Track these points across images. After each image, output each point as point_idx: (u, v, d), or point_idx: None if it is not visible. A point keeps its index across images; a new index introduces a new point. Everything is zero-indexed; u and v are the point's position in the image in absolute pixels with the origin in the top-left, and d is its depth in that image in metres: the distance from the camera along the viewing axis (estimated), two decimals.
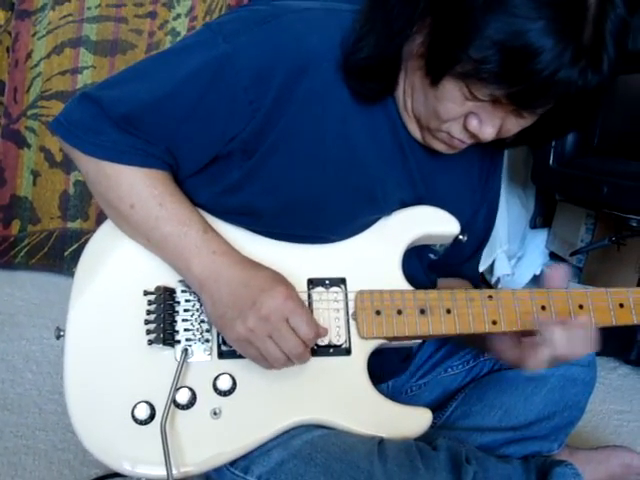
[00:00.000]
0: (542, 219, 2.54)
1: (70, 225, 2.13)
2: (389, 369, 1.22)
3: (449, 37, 0.86)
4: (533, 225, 2.53)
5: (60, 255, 2.16)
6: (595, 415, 1.66)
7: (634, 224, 1.80)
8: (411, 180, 1.09)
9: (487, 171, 1.21)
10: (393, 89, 1.00)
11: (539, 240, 2.59)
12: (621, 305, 1.06)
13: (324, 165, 1.00)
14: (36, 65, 2.16)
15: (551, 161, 1.88)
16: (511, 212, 2.33)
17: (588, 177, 1.79)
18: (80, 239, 2.12)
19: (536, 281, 2.53)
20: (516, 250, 2.45)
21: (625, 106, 2.00)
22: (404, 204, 1.10)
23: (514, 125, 0.94)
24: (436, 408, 1.24)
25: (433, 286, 1.22)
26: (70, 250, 2.14)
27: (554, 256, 2.59)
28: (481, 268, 2.05)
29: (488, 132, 0.93)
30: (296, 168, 0.99)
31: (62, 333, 1.03)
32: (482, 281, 2.30)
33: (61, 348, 1.64)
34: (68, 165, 2.13)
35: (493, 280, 2.33)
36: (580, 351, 0.99)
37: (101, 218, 2.05)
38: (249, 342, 0.95)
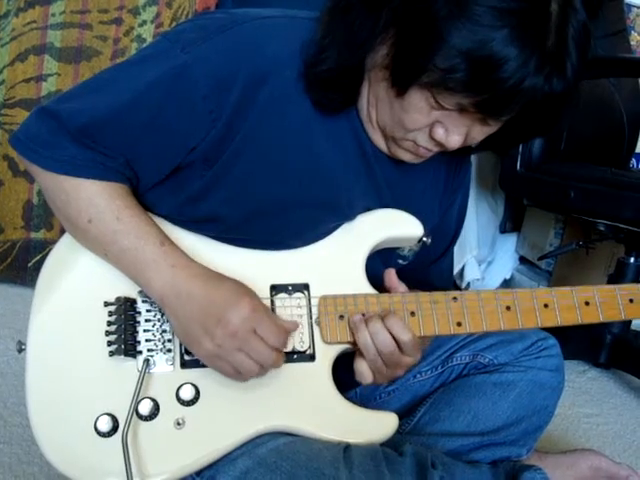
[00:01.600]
0: (511, 224, 2.57)
1: (34, 235, 2.10)
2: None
3: (414, 48, 0.86)
4: (503, 230, 2.55)
5: (23, 266, 2.12)
6: (564, 419, 1.67)
7: (602, 228, 1.82)
8: (376, 188, 1.08)
9: (454, 176, 1.21)
10: (355, 100, 0.99)
11: (509, 244, 2.62)
12: (587, 303, 1.06)
13: (286, 174, 0.99)
14: None
15: (518, 166, 1.89)
16: (480, 217, 2.35)
17: (555, 182, 1.81)
18: (44, 250, 2.08)
19: (506, 285, 2.56)
20: (486, 255, 2.47)
21: (590, 111, 2.03)
22: (369, 210, 1.09)
23: (479, 133, 0.95)
24: (405, 414, 1.23)
25: None
26: (34, 261, 2.10)
27: (524, 260, 2.62)
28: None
29: (455, 140, 0.93)
30: (258, 177, 0.98)
31: (24, 347, 1.00)
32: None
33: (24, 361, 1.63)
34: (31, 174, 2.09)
35: (463, 285, 2.35)
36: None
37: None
38: (218, 357, 0.94)
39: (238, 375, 0.96)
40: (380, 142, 1.02)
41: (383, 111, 0.96)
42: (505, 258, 2.58)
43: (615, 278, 1.87)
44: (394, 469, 0.93)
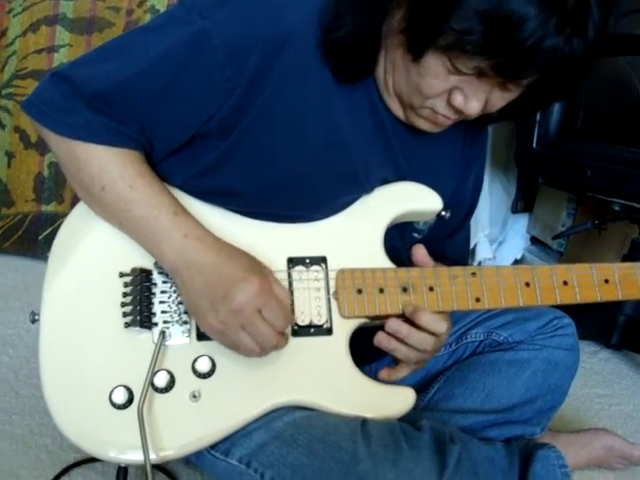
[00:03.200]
0: (523, 204, 2.55)
1: (45, 208, 2.09)
2: (373, 351, 1.20)
3: (429, 9, 0.84)
4: (514, 210, 2.53)
5: (34, 239, 2.11)
6: (576, 399, 1.66)
7: (617, 208, 1.80)
8: (393, 159, 1.07)
9: (470, 146, 1.19)
10: (373, 68, 0.98)
11: (520, 225, 2.60)
12: (606, 281, 1.05)
13: (304, 144, 0.97)
14: (11, 43, 2.11)
15: (534, 144, 1.87)
16: (493, 196, 2.33)
17: (572, 160, 1.78)
18: (54, 223, 2.07)
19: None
20: (497, 234, 2.46)
21: (607, 90, 2.00)
22: (386, 181, 1.08)
23: (499, 99, 0.93)
24: (419, 390, 1.23)
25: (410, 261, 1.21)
26: (44, 234, 2.09)
27: (535, 240, 2.60)
28: None
29: (474, 107, 0.91)
30: (275, 148, 0.97)
31: (37, 317, 1.00)
32: None
33: (37, 332, 1.63)
34: (43, 146, 2.07)
35: (474, 264, 2.33)
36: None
37: (77, 201, 2.01)
38: (222, 333, 0.93)
39: (239, 351, 0.95)
40: (398, 111, 1.00)
41: (400, 78, 0.94)
42: (516, 238, 2.56)
43: (629, 259, 1.85)
44: (412, 444, 0.93)
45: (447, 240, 1.26)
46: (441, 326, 0.98)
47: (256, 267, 0.96)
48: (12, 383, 1.45)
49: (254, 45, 0.91)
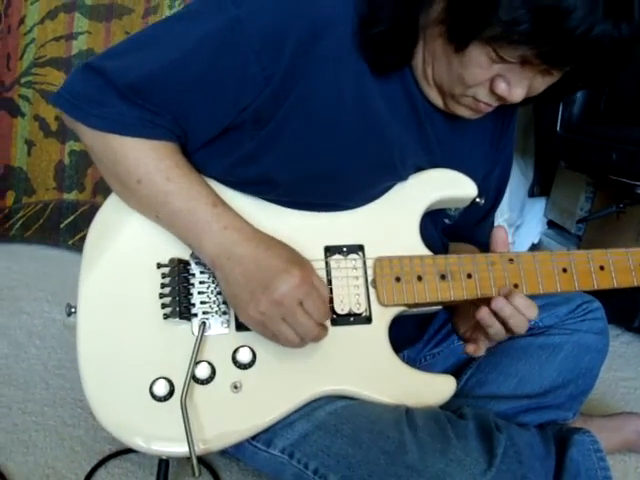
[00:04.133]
0: (540, 188, 2.54)
1: (66, 196, 2.08)
2: (406, 338, 1.21)
3: (474, 1, 0.83)
4: (531, 194, 2.52)
5: (55, 227, 2.11)
6: (601, 382, 1.65)
7: (639, 191, 1.79)
8: (427, 146, 1.06)
9: (500, 132, 1.19)
10: (410, 59, 0.97)
11: (537, 209, 2.59)
12: None
13: (341, 132, 0.97)
14: (29, 31, 2.09)
15: (558, 128, 1.86)
16: (511, 180, 2.31)
17: (596, 144, 1.78)
18: (76, 211, 2.07)
19: (534, 249, 2.53)
20: (515, 219, 2.45)
21: (630, 73, 1.98)
22: (420, 169, 1.08)
23: (541, 83, 0.92)
24: None
25: (446, 250, 1.21)
26: (66, 222, 2.09)
27: (552, 224, 2.59)
28: None
29: (517, 94, 0.91)
30: (313, 136, 0.96)
31: (73, 310, 0.99)
32: None
33: (63, 323, 1.64)
34: (64, 134, 2.08)
35: None
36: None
37: (98, 189, 2.01)
38: (262, 324, 0.92)
39: (279, 342, 0.94)
40: (437, 99, 1.00)
41: (440, 68, 0.94)
42: (533, 222, 2.55)
43: None
44: (459, 433, 0.92)
45: (476, 226, 1.27)
46: (533, 311, 0.98)
47: (296, 258, 0.96)
48: (42, 374, 1.45)
49: (289, 33, 0.89)
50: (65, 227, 2.10)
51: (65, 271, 1.95)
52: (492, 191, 1.25)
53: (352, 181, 1.01)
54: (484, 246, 1.26)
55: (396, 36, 0.91)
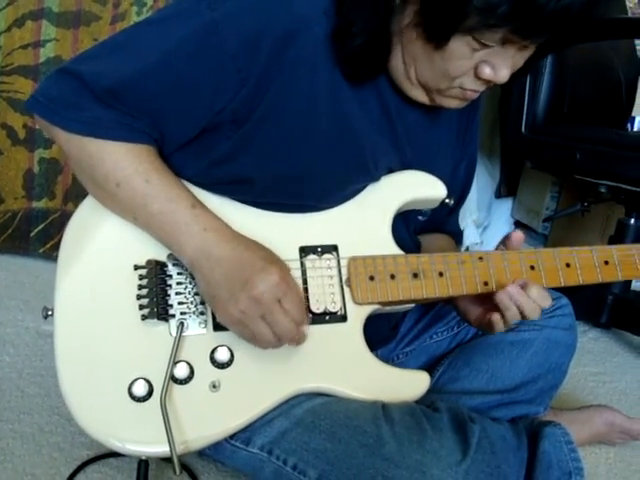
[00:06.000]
0: (507, 188, 2.59)
1: (35, 205, 2.07)
2: (380, 337, 1.23)
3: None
4: (498, 194, 2.56)
5: (25, 236, 2.09)
6: (571, 377, 1.69)
7: (603, 190, 1.84)
8: (398, 146, 1.09)
9: (466, 124, 1.23)
10: (385, 68, 0.99)
11: (504, 209, 2.64)
12: (606, 262, 1.09)
13: (315, 133, 0.99)
14: None
15: (523, 129, 1.90)
16: (479, 181, 2.36)
17: (561, 144, 1.82)
18: (46, 219, 2.05)
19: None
20: (483, 219, 2.49)
21: (590, 75, 2.04)
22: (391, 170, 1.10)
23: (521, 59, 0.96)
24: None
25: (418, 248, 1.24)
26: (36, 231, 2.07)
27: (519, 224, 2.64)
28: None
29: (504, 74, 0.94)
30: (287, 137, 0.98)
31: (50, 312, 0.99)
32: None
33: (37, 331, 1.62)
34: (32, 142, 2.06)
35: (462, 249, 2.35)
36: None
37: (68, 196, 1.99)
38: (241, 323, 0.93)
39: (257, 343, 0.95)
40: (422, 97, 1.02)
41: (423, 68, 0.96)
42: (501, 222, 2.60)
43: (616, 239, 1.89)
44: (434, 425, 0.94)
45: (445, 220, 1.31)
46: (547, 301, 1.02)
47: (274, 258, 0.97)
48: (16, 382, 1.44)
49: (265, 36, 0.91)
50: (35, 235, 2.08)
51: (37, 279, 1.96)
52: (459, 186, 1.29)
53: (326, 182, 1.03)
54: (455, 235, 1.34)
55: (370, 49, 0.94)
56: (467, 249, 2.35)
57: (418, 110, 1.08)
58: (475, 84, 0.97)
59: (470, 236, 2.33)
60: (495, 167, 2.47)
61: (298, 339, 0.97)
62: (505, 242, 1.09)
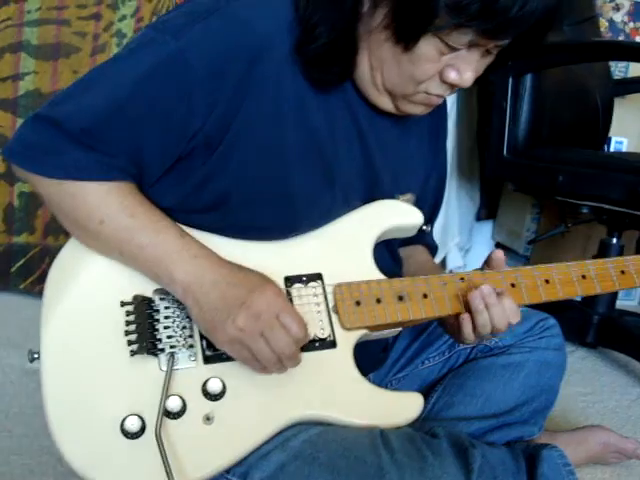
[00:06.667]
0: (487, 211, 2.61)
1: (16, 239, 2.03)
2: (370, 362, 1.22)
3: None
4: (478, 217, 2.58)
5: (6, 272, 2.06)
6: (561, 399, 1.67)
7: (585, 210, 1.86)
8: (369, 156, 1.09)
9: (436, 135, 1.25)
10: (352, 72, 1.00)
11: (485, 231, 2.66)
12: (583, 277, 1.12)
13: (286, 151, 0.99)
14: None
15: (505, 152, 1.91)
16: (460, 204, 2.37)
17: (543, 167, 1.84)
18: (27, 254, 2.01)
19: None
20: (465, 242, 2.50)
21: (568, 97, 2.07)
22: (364, 181, 1.10)
23: (483, 64, 0.98)
24: None
25: (399, 265, 1.25)
26: (17, 266, 2.04)
27: (499, 246, 2.65)
28: (436, 260, 2.10)
29: (469, 77, 0.96)
30: (260, 156, 0.98)
31: (36, 355, 0.97)
32: None
33: (22, 368, 1.59)
34: (12, 176, 2.03)
35: (446, 272, 2.36)
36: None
37: (48, 230, 1.97)
38: (240, 343, 0.92)
39: (256, 363, 0.95)
40: (388, 104, 1.03)
41: (390, 71, 0.97)
42: (482, 245, 2.62)
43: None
44: (435, 451, 0.93)
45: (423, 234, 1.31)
46: (516, 317, 1.03)
47: (267, 278, 0.98)
48: (3, 422, 1.41)
49: (230, 58, 0.92)
50: (16, 271, 2.05)
51: (19, 315, 1.92)
52: (431, 197, 1.30)
53: (301, 198, 1.03)
54: (431, 249, 1.37)
55: (335, 49, 0.95)
56: (451, 272, 2.36)
57: (388, 119, 1.09)
58: (440, 88, 0.99)
59: (453, 260, 2.34)
60: (475, 190, 2.49)
61: (297, 359, 0.97)
62: (487, 262, 1.10)
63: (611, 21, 2.70)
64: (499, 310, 1.01)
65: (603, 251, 1.94)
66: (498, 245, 2.67)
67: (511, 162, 1.92)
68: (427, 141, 1.23)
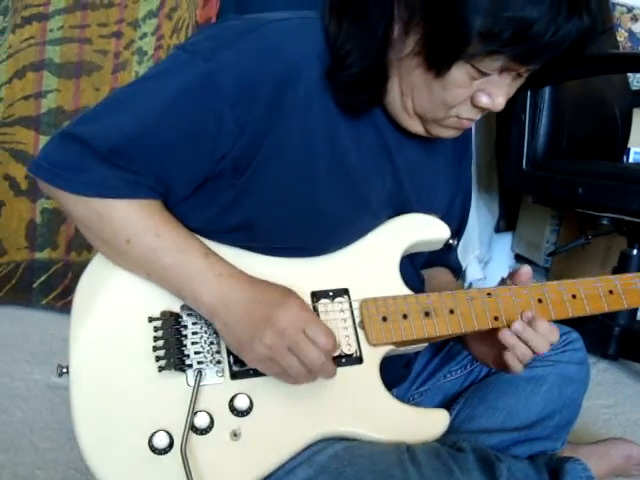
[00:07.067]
0: (506, 223, 2.60)
1: (38, 255, 2.06)
2: (393, 377, 1.22)
3: (452, 25, 0.87)
4: (497, 229, 2.58)
5: (28, 287, 2.08)
6: (583, 411, 1.66)
7: (605, 222, 1.85)
8: (398, 180, 1.10)
9: (460, 153, 1.25)
10: (383, 98, 1.00)
11: (504, 243, 2.65)
12: (610, 292, 1.11)
13: (315, 174, 0.99)
14: None
15: (524, 165, 1.92)
16: (479, 217, 2.37)
17: (563, 179, 1.84)
18: (49, 269, 2.03)
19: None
20: (484, 254, 2.49)
21: (586, 109, 2.07)
22: (392, 203, 1.11)
23: (514, 87, 0.98)
24: None
25: (422, 283, 1.24)
26: (39, 282, 2.06)
27: (519, 258, 2.65)
28: None
29: (500, 102, 0.96)
30: (289, 179, 0.98)
31: (65, 370, 0.98)
32: None
33: (46, 383, 1.61)
34: (34, 193, 2.07)
35: (465, 285, 2.36)
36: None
37: (71, 246, 1.99)
38: (270, 360, 0.93)
39: (288, 378, 0.95)
40: (418, 128, 1.03)
41: (421, 97, 0.97)
42: (501, 257, 2.61)
43: (619, 270, 1.90)
44: (461, 465, 0.94)
45: (447, 254, 1.31)
46: (555, 336, 1.03)
47: (290, 291, 0.98)
48: (29, 437, 1.42)
49: (260, 82, 0.93)
50: (38, 287, 2.07)
51: (42, 331, 1.94)
52: (457, 219, 1.30)
53: (329, 222, 1.04)
54: (455, 270, 1.35)
55: (367, 78, 0.95)
56: (470, 285, 2.36)
57: (416, 142, 1.09)
58: (471, 112, 0.99)
59: (473, 272, 2.33)
60: (494, 203, 2.49)
61: (330, 370, 0.97)
62: (512, 277, 1.10)
63: (630, 32, 2.70)
64: (538, 338, 1.01)
65: (623, 263, 1.93)
66: (517, 257, 2.66)
67: (530, 175, 1.92)
68: (451, 161, 1.23)
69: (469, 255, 2.30)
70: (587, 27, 0.88)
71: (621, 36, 2.65)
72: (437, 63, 0.91)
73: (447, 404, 1.31)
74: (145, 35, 2.03)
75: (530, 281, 1.09)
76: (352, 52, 0.93)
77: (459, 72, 0.91)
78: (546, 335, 1.01)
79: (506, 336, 1.01)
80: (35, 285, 2.07)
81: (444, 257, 1.31)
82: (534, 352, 1.02)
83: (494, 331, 1.04)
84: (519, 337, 1.01)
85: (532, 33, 0.84)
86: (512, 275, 1.11)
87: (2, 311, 2.11)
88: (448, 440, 1.05)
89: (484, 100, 0.95)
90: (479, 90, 0.94)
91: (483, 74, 0.92)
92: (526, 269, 1.10)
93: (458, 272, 1.38)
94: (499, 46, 0.86)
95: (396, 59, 0.95)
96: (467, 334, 1.12)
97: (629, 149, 2.41)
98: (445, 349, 1.36)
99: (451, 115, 0.98)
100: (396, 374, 1.25)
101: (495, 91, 0.95)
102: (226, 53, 0.93)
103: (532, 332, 1.01)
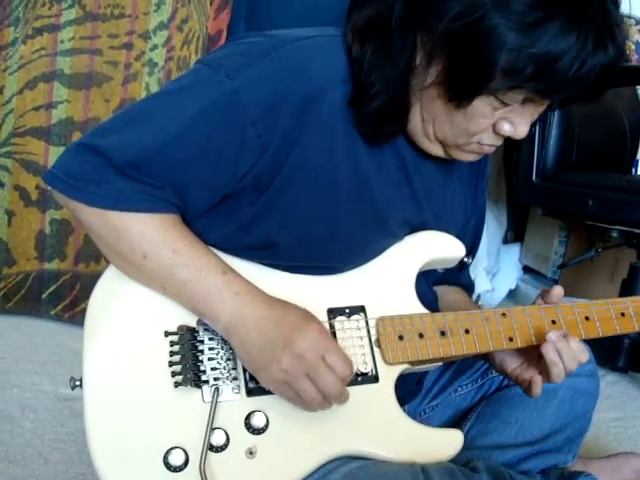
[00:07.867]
0: (514, 234, 2.60)
1: (47, 266, 2.06)
2: (406, 393, 1.22)
3: (475, 60, 0.86)
4: (505, 240, 2.58)
5: (37, 298, 2.09)
6: (593, 425, 1.66)
7: (615, 234, 1.85)
8: (416, 202, 1.10)
9: (476, 176, 1.25)
10: (405, 127, 1.00)
11: (512, 255, 2.65)
12: (622, 314, 1.12)
13: (336, 195, 0.99)
14: (8, 101, 2.11)
15: (534, 177, 1.92)
16: (487, 228, 2.36)
17: (573, 191, 1.85)
18: (58, 280, 2.03)
19: (511, 295, 2.58)
20: (492, 266, 2.49)
21: (596, 122, 2.07)
22: (409, 224, 1.11)
23: (537, 114, 0.97)
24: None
25: (436, 300, 1.24)
26: (48, 292, 2.06)
27: (527, 269, 2.65)
28: None
29: (523, 131, 0.95)
30: (309, 199, 0.98)
31: (78, 383, 0.97)
32: None
33: (56, 395, 1.61)
34: (44, 203, 2.08)
35: (474, 297, 2.36)
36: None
37: (79, 257, 1.99)
38: (285, 383, 0.92)
39: (301, 403, 0.94)
40: (439, 151, 1.03)
41: (443, 125, 0.97)
42: (509, 268, 2.60)
43: (628, 283, 1.90)
44: None
45: (457, 273, 1.32)
46: (585, 355, 1.04)
47: (310, 315, 0.97)
48: (39, 449, 1.41)
49: (284, 102, 0.92)
50: (47, 297, 2.07)
51: (51, 341, 1.95)
52: (469, 239, 1.29)
53: (348, 242, 1.04)
54: (467, 288, 1.36)
55: (390, 110, 0.95)
56: (479, 297, 2.36)
57: (433, 164, 1.09)
58: (493, 139, 0.98)
59: (481, 283, 2.33)
60: (502, 214, 2.49)
61: (344, 397, 0.96)
62: (544, 296, 1.11)
63: (637, 44, 2.70)
64: (570, 353, 1.02)
65: (633, 275, 1.93)
66: (525, 268, 2.66)
67: (540, 187, 1.93)
68: (467, 182, 1.22)
69: (477, 267, 2.30)
70: (612, 59, 0.86)
71: (628, 48, 2.64)
72: (459, 96, 0.91)
73: (458, 418, 1.32)
74: (156, 47, 2.03)
75: (560, 302, 1.10)
76: (376, 82, 0.93)
77: (481, 103, 0.91)
78: (576, 352, 1.02)
79: (549, 352, 1.01)
80: (44, 295, 2.08)
81: (457, 275, 1.32)
82: (566, 373, 1.03)
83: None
84: (556, 347, 1.01)
85: (556, 68, 0.84)
86: (543, 294, 1.11)
87: (12, 321, 2.11)
88: (462, 457, 1.05)
89: (506, 128, 0.95)
90: (502, 119, 0.94)
91: (506, 105, 0.91)
92: (558, 290, 1.10)
93: (471, 290, 1.38)
94: (522, 81, 0.85)
95: (418, 87, 0.95)
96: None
97: (638, 161, 2.41)
98: (456, 363, 1.36)
99: (473, 142, 0.98)
100: (408, 390, 1.24)
101: (518, 120, 0.94)
102: (250, 71, 0.92)
103: (566, 345, 1.01)
